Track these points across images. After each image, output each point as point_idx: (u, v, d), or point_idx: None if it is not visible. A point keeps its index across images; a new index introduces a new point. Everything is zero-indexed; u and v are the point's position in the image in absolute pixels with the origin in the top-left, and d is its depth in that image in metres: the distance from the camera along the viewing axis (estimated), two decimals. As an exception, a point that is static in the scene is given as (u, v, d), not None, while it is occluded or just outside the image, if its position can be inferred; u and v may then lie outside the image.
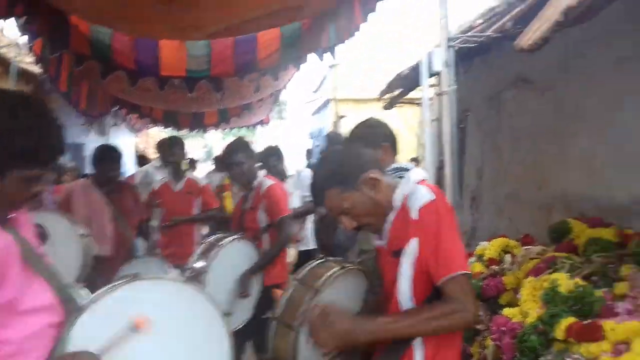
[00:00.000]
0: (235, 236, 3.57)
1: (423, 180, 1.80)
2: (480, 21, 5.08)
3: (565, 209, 4.46)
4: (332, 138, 5.81)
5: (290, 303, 2.05)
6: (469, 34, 4.60)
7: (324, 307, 1.75)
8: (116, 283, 1.70)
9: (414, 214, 1.66)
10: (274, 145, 5.61)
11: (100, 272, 3.59)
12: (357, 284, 2.11)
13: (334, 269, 2.06)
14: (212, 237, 3.70)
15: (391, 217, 1.78)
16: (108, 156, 4.26)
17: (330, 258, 2.25)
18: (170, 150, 5.15)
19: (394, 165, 2.36)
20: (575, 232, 3.13)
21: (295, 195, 4.95)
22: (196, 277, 3.33)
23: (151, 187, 5.79)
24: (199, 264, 3.41)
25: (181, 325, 1.76)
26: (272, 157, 4.86)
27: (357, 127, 2.62)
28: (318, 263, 2.21)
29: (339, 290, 2.00)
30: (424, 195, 1.68)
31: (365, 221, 1.79)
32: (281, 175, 4.91)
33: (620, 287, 2.41)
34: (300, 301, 1.97)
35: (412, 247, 1.66)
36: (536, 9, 3.78)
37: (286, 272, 3.93)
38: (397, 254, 1.72)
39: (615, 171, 3.96)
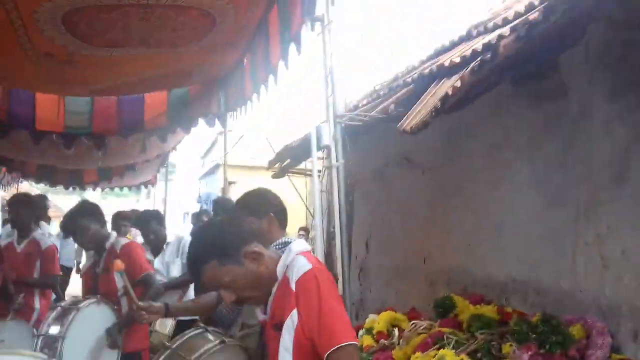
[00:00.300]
0: (93, 299, 3.28)
1: (305, 251, 1.76)
2: (365, 102, 5.34)
3: (448, 283, 4.62)
4: (221, 203, 5.65)
5: None
6: (355, 112, 4.81)
7: None
8: None
9: (293, 285, 1.61)
10: (153, 209, 5.33)
11: None
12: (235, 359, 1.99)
13: (213, 344, 1.94)
14: (66, 301, 3.38)
15: (274, 289, 1.72)
16: None
17: (210, 329, 2.12)
18: (13, 208, 4.67)
19: (280, 240, 2.31)
20: (459, 307, 3.22)
21: (176, 263, 4.65)
22: (51, 344, 2.98)
23: None
24: (54, 330, 3.05)
25: None
26: (153, 222, 4.58)
27: (244, 195, 2.58)
28: (196, 333, 2.08)
29: None
30: (302, 265, 1.64)
31: (246, 295, 1.70)
32: (161, 241, 4.63)
33: (503, 365, 2.49)
34: None
35: (292, 319, 1.59)
36: (417, 94, 4.05)
37: (147, 339, 3.67)
38: (278, 327, 1.65)
39: (492, 250, 4.19)
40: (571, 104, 3.48)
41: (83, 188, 9.29)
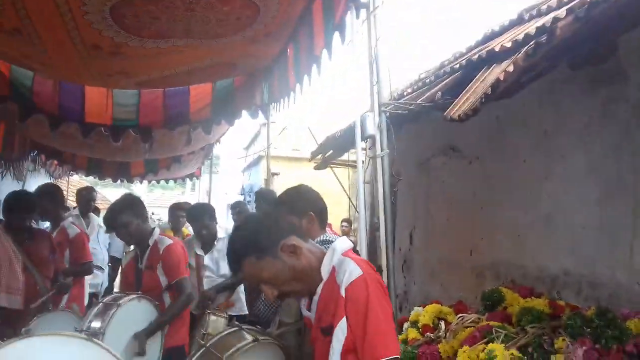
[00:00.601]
0: (135, 295, 3.31)
1: (349, 250, 1.73)
2: (410, 90, 5.24)
3: (496, 275, 4.51)
4: (263, 194, 5.66)
5: None
6: (401, 101, 4.72)
7: None
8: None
9: (343, 291, 1.58)
10: (206, 203, 5.30)
11: (10, 326, 3.21)
12: (270, 357, 1.97)
13: (246, 341, 1.93)
14: (109, 296, 3.41)
15: (319, 289, 1.69)
16: (20, 204, 3.90)
17: (245, 327, 2.11)
18: (40, 200, 4.80)
19: (320, 238, 2.28)
20: (508, 300, 3.12)
21: (226, 260, 4.59)
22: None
23: None
24: (96, 324, 3.10)
25: None
26: (206, 216, 4.56)
27: (285, 192, 2.55)
28: (231, 332, 2.09)
29: None
30: (353, 271, 1.60)
31: (287, 289, 1.69)
32: (213, 236, 4.59)
33: (557, 360, 2.39)
34: None
35: (341, 328, 1.57)
36: (464, 81, 3.94)
37: (188, 335, 3.70)
38: (325, 331, 1.64)
39: (542, 242, 4.06)
40: (630, 89, 3.31)
41: (130, 180, 9.50)
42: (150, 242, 3.59)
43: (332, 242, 1.97)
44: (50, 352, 1.66)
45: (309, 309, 1.76)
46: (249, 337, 1.96)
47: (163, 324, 3.37)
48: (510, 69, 2.99)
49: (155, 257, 3.55)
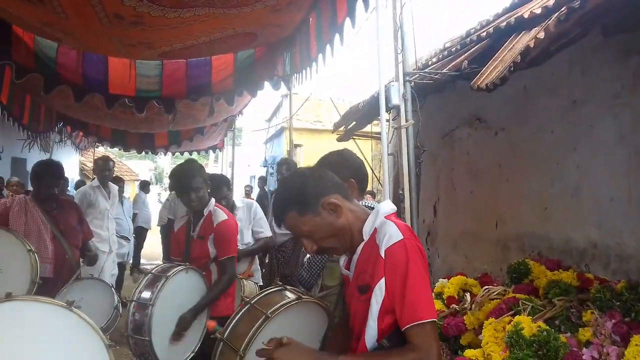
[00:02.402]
0: (182, 267, 3.32)
1: (393, 214, 1.75)
2: (435, 59, 5.12)
3: (521, 248, 4.46)
4: (284, 164, 5.66)
5: (238, 326, 1.98)
6: (426, 70, 4.62)
7: (284, 340, 1.63)
8: None
9: (382, 253, 1.60)
10: (221, 174, 5.30)
11: (39, 293, 3.29)
12: (313, 317, 2.01)
13: (289, 299, 1.96)
14: (158, 267, 3.43)
15: (359, 248, 1.72)
16: (48, 172, 3.94)
17: (289, 287, 2.13)
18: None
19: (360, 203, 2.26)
20: (534, 273, 3.07)
21: (248, 229, 4.62)
22: (143, 310, 3.08)
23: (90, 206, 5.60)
24: (145, 295, 3.16)
25: (60, 354, 1.61)
26: (224, 187, 4.57)
27: (328, 154, 2.52)
28: (275, 290, 2.11)
29: (292, 320, 1.92)
30: (393, 234, 1.61)
31: (326, 244, 1.73)
32: (231, 207, 4.61)
33: (585, 333, 2.35)
34: (249, 326, 1.89)
35: (380, 288, 1.60)
36: (490, 50, 3.83)
37: (233, 304, 3.72)
38: (362, 289, 1.66)
39: (569, 214, 3.99)
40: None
41: (155, 152, 9.58)
42: (205, 212, 3.56)
43: (372, 208, 1.97)
44: (30, 317, 1.72)
45: (347, 268, 1.79)
46: (292, 296, 1.98)
47: (207, 304, 3.39)
48: (541, 35, 2.89)
49: (209, 228, 3.52)
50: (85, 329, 1.81)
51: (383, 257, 1.60)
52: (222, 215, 3.57)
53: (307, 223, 1.68)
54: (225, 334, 1.98)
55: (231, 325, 2.01)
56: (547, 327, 2.38)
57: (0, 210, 3.88)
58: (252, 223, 4.55)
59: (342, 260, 1.85)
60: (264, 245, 4.63)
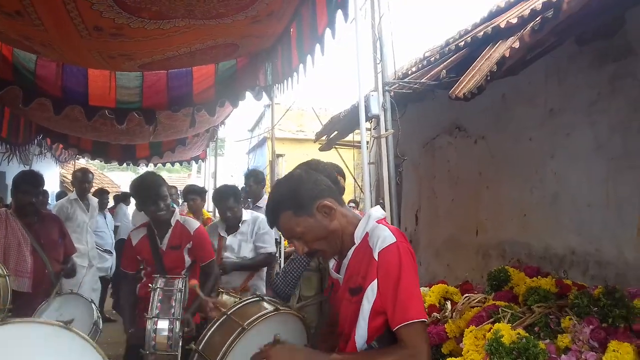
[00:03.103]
0: (180, 278, 3.24)
1: (383, 218, 1.79)
2: (414, 69, 5.18)
3: (501, 255, 4.50)
4: (253, 176, 5.67)
5: (214, 337, 1.96)
6: (405, 80, 4.67)
7: (277, 337, 1.69)
8: None
9: (376, 255, 1.64)
10: (231, 185, 5.22)
11: (18, 309, 3.21)
12: (290, 328, 1.99)
13: (267, 310, 1.95)
14: (158, 282, 3.31)
15: (350, 252, 1.76)
16: (25, 180, 3.88)
17: (266, 298, 2.12)
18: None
19: None
20: (514, 280, 3.10)
21: (249, 243, 4.45)
22: None
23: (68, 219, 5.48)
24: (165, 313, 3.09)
25: None
26: (231, 199, 4.43)
27: (312, 160, 2.53)
28: (252, 301, 2.10)
29: (269, 332, 1.87)
30: (387, 237, 1.66)
31: (316, 247, 1.77)
32: (238, 219, 4.41)
33: (563, 339, 2.37)
34: (225, 338, 1.87)
35: (372, 289, 1.64)
36: (469, 59, 3.88)
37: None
38: (354, 291, 1.70)
39: (548, 221, 4.04)
40: (638, 64, 3.25)
41: (136, 163, 9.50)
42: (173, 222, 3.55)
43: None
44: (27, 339, 1.70)
45: (337, 271, 1.83)
46: (270, 307, 1.97)
47: (201, 304, 3.41)
48: (516, 45, 2.94)
49: (184, 237, 3.54)
50: (85, 347, 1.80)
51: (376, 259, 1.63)
52: (194, 222, 3.63)
53: (301, 224, 1.72)
54: (201, 346, 1.96)
55: (207, 336, 1.98)
56: (527, 334, 2.40)
57: None
58: (254, 237, 4.42)
59: (331, 263, 1.87)
60: (263, 260, 4.43)
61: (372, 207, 4.34)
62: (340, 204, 1.80)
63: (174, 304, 3.07)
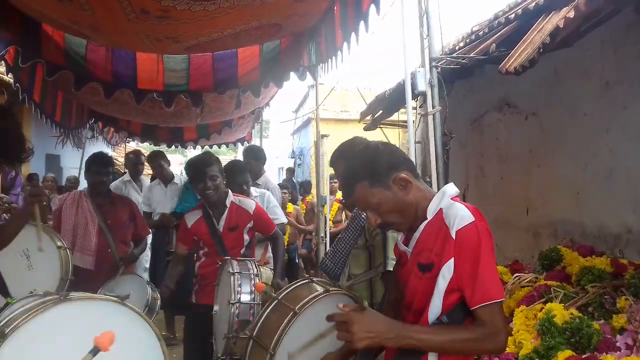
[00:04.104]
0: (249, 260, 3.28)
1: (457, 195, 1.78)
2: (462, 44, 5.04)
3: (553, 235, 4.38)
4: (251, 151, 5.68)
5: (267, 323, 1.99)
6: (453, 55, 4.55)
7: (364, 304, 1.68)
8: (44, 303, 1.63)
9: (453, 233, 1.62)
10: (237, 160, 5.28)
11: (82, 286, 3.38)
12: None
13: (317, 292, 1.95)
14: (233, 266, 3.32)
15: (422, 226, 1.74)
16: (94, 161, 4.09)
17: (316, 279, 2.13)
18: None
19: None
20: (567, 260, 3.03)
21: None
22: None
23: None
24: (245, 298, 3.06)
25: (117, 346, 1.68)
26: (238, 174, 4.52)
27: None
28: (302, 284, 2.11)
29: (322, 313, 1.88)
30: (465, 216, 1.63)
31: (390, 219, 1.77)
32: (246, 194, 4.57)
33: (619, 320, 2.30)
34: (278, 323, 1.89)
35: (449, 268, 1.63)
36: (519, 32, 3.75)
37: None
38: (424, 267, 1.69)
39: (603, 199, 3.89)
40: None
41: (184, 146, 9.65)
42: (228, 203, 3.59)
43: None
44: (87, 313, 1.79)
45: (405, 245, 1.82)
46: (320, 289, 1.98)
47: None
48: (571, 14, 2.81)
49: (243, 218, 3.59)
50: (138, 321, 1.88)
51: (454, 237, 1.61)
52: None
53: (376, 195, 1.72)
54: (255, 332, 1.98)
55: (260, 322, 2.01)
56: (580, 315, 2.35)
57: (58, 204, 4.06)
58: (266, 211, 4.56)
59: (400, 236, 1.88)
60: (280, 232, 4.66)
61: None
62: (416, 177, 1.79)
63: (252, 289, 3.04)
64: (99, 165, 4.04)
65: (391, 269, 2.35)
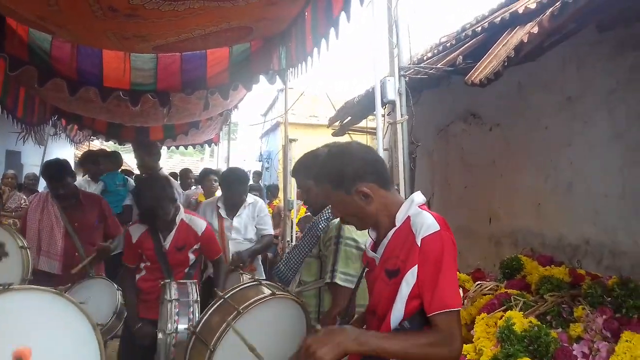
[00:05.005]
0: (190, 281, 3.20)
1: (424, 204, 1.81)
2: (430, 54, 5.12)
3: (514, 244, 4.47)
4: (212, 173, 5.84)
5: (211, 320, 2.01)
6: (421, 65, 4.62)
7: (317, 328, 1.70)
8: None
9: (419, 241, 1.66)
10: (238, 168, 5.18)
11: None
12: (288, 313, 2.02)
13: (264, 294, 1.98)
14: (170, 292, 3.08)
15: (390, 233, 1.78)
16: (47, 175, 3.90)
17: (265, 282, 2.14)
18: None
19: None
20: (527, 269, 3.09)
21: (252, 225, 4.56)
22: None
23: None
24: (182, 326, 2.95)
25: (53, 335, 1.77)
26: (236, 183, 4.50)
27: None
28: (250, 285, 2.13)
29: (266, 316, 1.94)
30: (431, 225, 1.67)
31: (348, 219, 1.86)
32: (241, 202, 4.52)
33: (576, 329, 2.37)
34: (221, 321, 1.92)
35: (412, 274, 1.66)
36: (485, 45, 3.83)
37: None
38: (391, 274, 1.73)
39: (563, 210, 4.00)
40: (660, 52, 3.18)
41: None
42: (177, 221, 3.44)
43: None
44: (25, 304, 1.88)
45: (374, 251, 1.86)
46: (267, 291, 1.99)
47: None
48: (535, 30, 2.89)
49: (191, 239, 3.47)
50: (75, 312, 1.95)
51: (419, 245, 1.65)
52: (201, 223, 3.56)
53: (336, 198, 1.79)
54: (197, 328, 2.00)
55: (203, 319, 2.03)
56: (539, 323, 2.40)
57: (26, 207, 3.91)
58: (255, 220, 4.54)
59: (368, 242, 1.91)
60: (269, 242, 4.68)
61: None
62: (383, 186, 1.81)
63: (191, 317, 2.92)
64: (52, 180, 3.86)
65: (339, 282, 2.38)
